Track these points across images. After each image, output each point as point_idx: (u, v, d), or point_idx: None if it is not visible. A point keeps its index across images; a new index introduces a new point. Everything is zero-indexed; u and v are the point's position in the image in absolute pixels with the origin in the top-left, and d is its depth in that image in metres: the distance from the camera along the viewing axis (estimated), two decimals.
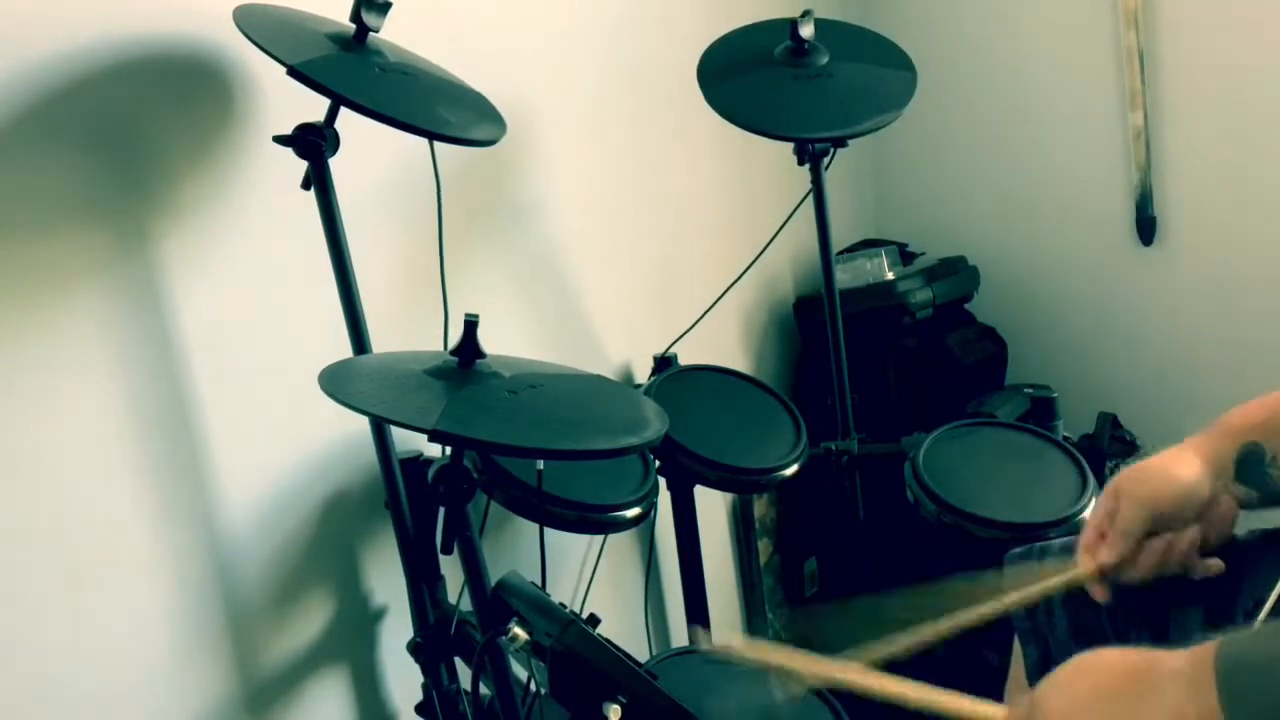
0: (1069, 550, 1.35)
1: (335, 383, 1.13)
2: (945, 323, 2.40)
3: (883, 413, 2.28)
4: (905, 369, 2.32)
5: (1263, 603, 1.10)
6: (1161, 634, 1.25)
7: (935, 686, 0.93)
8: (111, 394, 1.24)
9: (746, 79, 1.80)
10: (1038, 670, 1.34)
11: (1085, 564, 1.13)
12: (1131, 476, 1.11)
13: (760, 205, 2.28)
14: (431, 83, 1.38)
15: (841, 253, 2.40)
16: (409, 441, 1.44)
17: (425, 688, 1.46)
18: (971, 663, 2.06)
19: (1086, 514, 1.64)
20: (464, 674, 1.45)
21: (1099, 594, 1.13)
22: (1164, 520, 1.09)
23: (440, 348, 1.45)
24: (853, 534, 2.17)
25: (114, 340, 1.25)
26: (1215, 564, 1.11)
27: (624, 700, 1.09)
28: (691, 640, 1.93)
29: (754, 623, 2.33)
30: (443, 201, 1.52)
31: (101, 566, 1.23)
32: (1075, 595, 1.32)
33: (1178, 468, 1.10)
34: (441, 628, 1.43)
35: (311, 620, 1.47)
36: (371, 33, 1.31)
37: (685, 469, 1.72)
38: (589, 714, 1.10)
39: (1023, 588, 1.15)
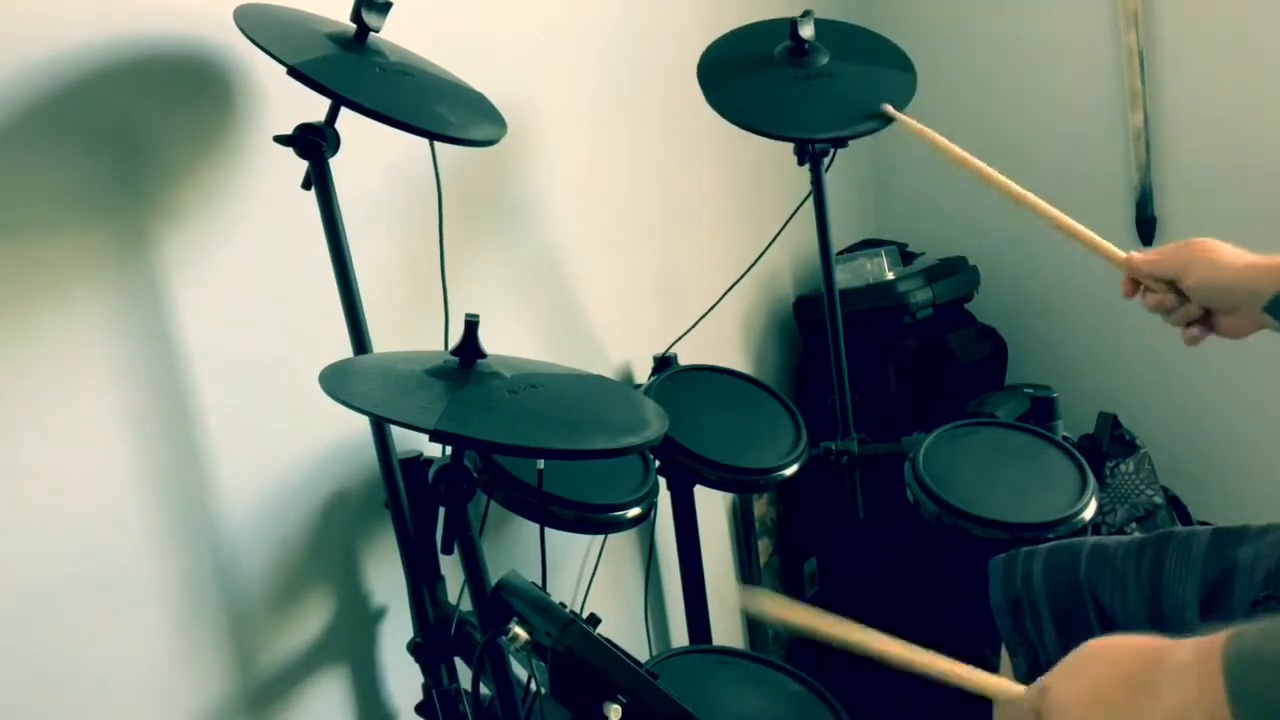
0: (1055, 553, 1.35)
1: (335, 383, 1.13)
2: (945, 323, 2.40)
3: (883, 413, 2.28)
4: (905, 369, 2.32)
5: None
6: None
7: (955, 660, 0.95)
8: (111, 394, 1.24)
9: (746, 79, 1.80)
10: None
11: (1125, 254, 1.36)
12: (1204, 246, 1.28)
13: (760, 205, 2.28)
14: (431, 83, 1.38)
15: (841, 253, 2.40)
16: (409, 441, 1.44)
17: (425, 688, 1.46)
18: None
19: (1086, 514, 1.64)
20: (464, 674, 1.45)
21: (1125, 288, 1.37)
22: (1186, 289, 1.28)
23: (441, 348, 1.45)
24: (853, 534, 2.17)
25: (113, 340, 1.24)
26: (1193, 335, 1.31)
27: (624, 700, 1.09)
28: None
29: (754, 623, 2.33)
30: (443, 201, 1.52)
31: (101, 566, 1.23)
32: (1066, 601, 1.32)
33: (1232, 263, 1.25)
34: (441, 628, 1.42)
35: (311, 620, 1.47)
36: (372, 33, 1.31)
37: (685, 469, 1.72)
38: (589, 714, 1.10)
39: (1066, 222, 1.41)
